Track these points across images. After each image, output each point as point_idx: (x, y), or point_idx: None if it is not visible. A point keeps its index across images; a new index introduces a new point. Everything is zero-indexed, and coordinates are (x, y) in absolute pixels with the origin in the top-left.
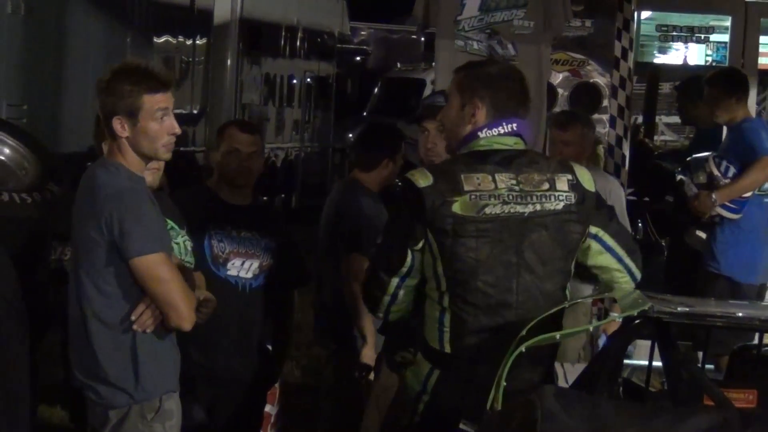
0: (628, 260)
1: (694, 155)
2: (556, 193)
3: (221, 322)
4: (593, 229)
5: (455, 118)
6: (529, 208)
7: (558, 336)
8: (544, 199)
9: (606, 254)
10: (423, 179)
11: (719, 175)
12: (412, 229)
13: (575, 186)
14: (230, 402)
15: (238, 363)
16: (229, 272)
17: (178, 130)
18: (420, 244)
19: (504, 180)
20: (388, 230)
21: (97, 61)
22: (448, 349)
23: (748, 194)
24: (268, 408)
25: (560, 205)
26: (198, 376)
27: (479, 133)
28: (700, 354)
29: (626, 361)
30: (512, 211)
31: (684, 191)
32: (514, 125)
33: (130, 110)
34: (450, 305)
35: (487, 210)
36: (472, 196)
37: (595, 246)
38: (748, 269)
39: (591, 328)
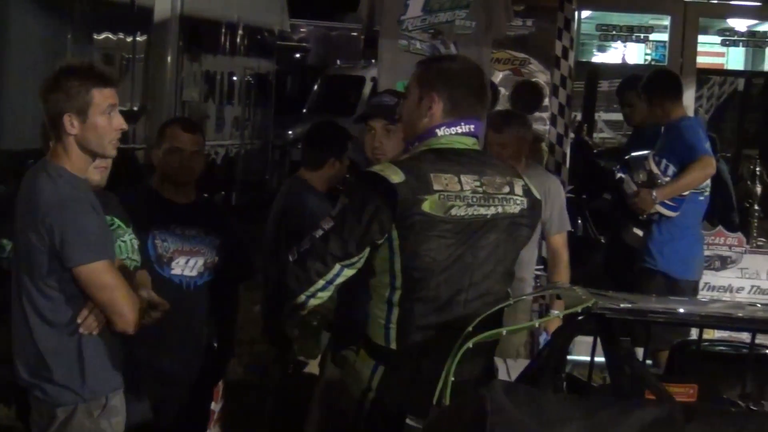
0: None
1: (633, 154)
2: (515, 197)
3: (167, 321)
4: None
5: (413, 110)
6: (491, 211)
7: (504, 332)
8: (504, 202)
9: None
10: (395, 175)
11: (659, 173)
12: (380, 222)
13: (527, 192)
14: (177, 400)
15: (184, 361)
16: (173, 271)
17: (125, 126)
18: (383, 239)
19: (468, 182)
20: (344, 219)
21: (38, 58)
22: (393, 345)
23: (686, 192)
24: (212, 405)
25: (517, 209)
26: (144, 374)
27: (437, 131)
28: (640, 350)
29: (570, 357)
30: (476, 213)
31: (623, 189)
32: (472, 126)
33: (80, 107)
34: (400, 301)
35: (453, 211)
36: (441, 196)
37: None
38: (684, 265)
39: (537, 324)
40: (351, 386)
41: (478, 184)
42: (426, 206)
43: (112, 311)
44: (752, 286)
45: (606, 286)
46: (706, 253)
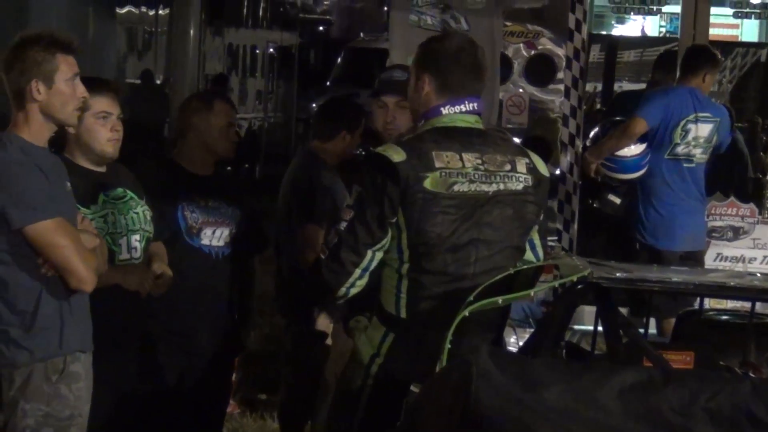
0: (541, 255)
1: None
2: (517, 174)
3: (197, 290)
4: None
5: (411, 92)
6: (493, 187)
7: (500, 300)
8: (507, 180)
9: (529, 252)
10: (397, 155)
11: (601, 137)
12: (390, 200)
13: (532, 169)
14: (202, 369)
15: (212, 331)
16: (202, 242)
17: (86, 94)
18: (395, 218)
19: (470, 159)
20: (363, 204)
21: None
22: (403, 314)
23: (628, 153)
24: (233, 377)
25: (520, 186)
26: (172, 343)
27: (442, 109)
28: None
29: (575, 327)
30: (478, 189)
31: None
32: (475, 104)
33: (47, 73)
34: (408, 273)
35: (456, 187)
36: (443, 173)
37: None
38: (667, 236)
39: (532, 293)
40: (361, 350)
41: (479, 161)
42: (428, 183)
43: (64, 270)
44: (765, 257)
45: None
46: (718, 223)
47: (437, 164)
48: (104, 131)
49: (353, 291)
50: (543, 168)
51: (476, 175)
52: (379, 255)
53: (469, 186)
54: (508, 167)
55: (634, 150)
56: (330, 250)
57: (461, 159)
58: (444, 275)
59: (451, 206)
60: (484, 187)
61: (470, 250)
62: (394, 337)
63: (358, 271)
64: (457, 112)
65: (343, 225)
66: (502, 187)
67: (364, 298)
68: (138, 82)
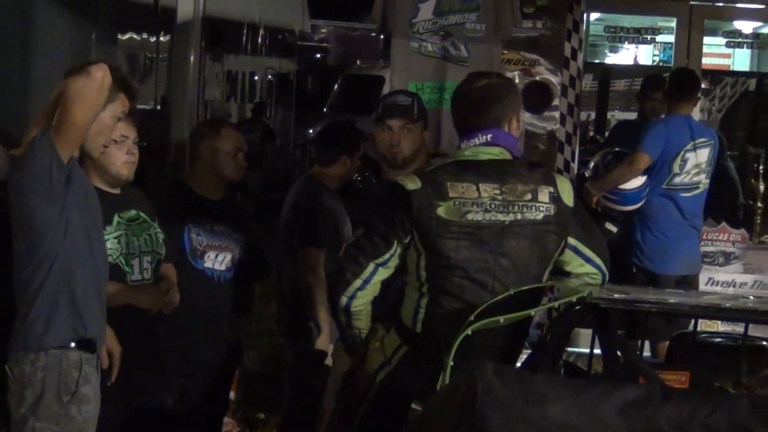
0: (603, 267)
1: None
2: (537, 204)
3: (197, 310)
4: (572, 241)
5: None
6: (510, 217)
7: (502, 320)
8: (525, 209)
9: (586, 265)
10: (412, 183)
11: (602, 168)
12: (401, 222)
13: (556, 199)
14: (201, 386)
15: (210, 350)
16: (205, 264)
17: (118, 138)
18: (407, 239)
19: (488, 189)
20: (371, 222)
21: (63, 58)
22: (419, 329)
23: (631, 186)
24: (231, 394)
25: (540, 216)
26: (172, 362)
27: (462, 144)
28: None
29: (569, 349)
30: (493, 219)
31: None
32: (489, 136)
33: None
34: (429, 291)
35: (469, 216)
36: (456, 203)
37: (574, 257)
38: (663, 261)
39: (533, 313)
40: (372, 357)
41: (498, 192)
42: (441, 211)
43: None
44: (755, 281)
45: None
46: (710, 249)
47: (451, 194)
48: (120, 154)
49: (355, 303)
50: (568, 196)
51: (492, 205)
52: (383, 271)
53: (483, 215)
54: (528, 197)
55: (635, 183)
56: (335, 262)
57: (478, 189)
58: (461, 300)
59: (465, 234)
60: (500, 217)
61: (486, 278)
62: (407, 351)
63: (358, 282)
64: (475, 145)
65: (351, 239)
66: (519, 216)
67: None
68: (139, 106)
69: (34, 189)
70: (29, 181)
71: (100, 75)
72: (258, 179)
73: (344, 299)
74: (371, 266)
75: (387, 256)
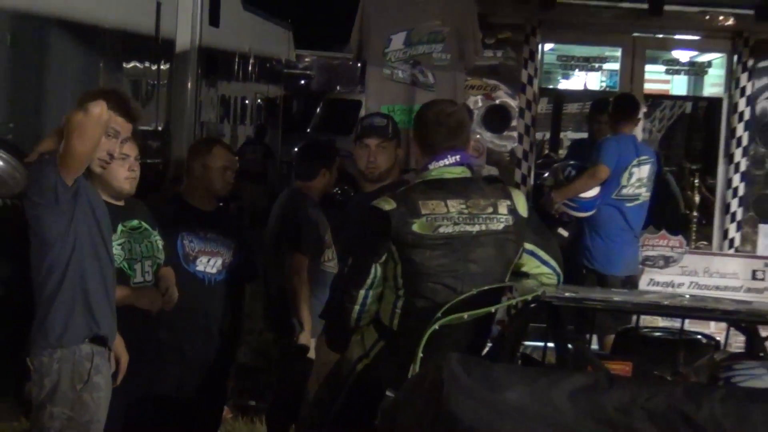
0: (557, 268)
1: (556, 164)
2: (498, 216)
3: (190, 310)
4: (529, 246)
5: (413, 152)
6: (476, 228)
7: (466, 316)
8: (488, 221)
9: (542, 267)
10: (387, 204)
11: (562, 179)
12: (378, 247)
13: (513, 210)
14: (197, 379)
15: (203, 345)
16: (197, 268)
17: (114, 156)
18: (383, 258)
19: (455, 205)
20: (356, 253)
21: (74, 83)
22: (395, 326)
23: (588, 194)
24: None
25: (501, 226)
26: (169, 356)
27: (429, 166)
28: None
29: (527, 342)
30: (462, 230)
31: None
32: (458, 156)
33: None
34: (404, 295)
35: (441, 229)
36: (428, 219)
37: (530, 260)
38: (610, 263)
39: (494, 310)
40: (353, 350)
41: (464, 206)
42: (416, 227)
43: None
44: (691, 282)
45: None
46: (651, 253)
47: (423, 211)
48: (122, 171)
49: (363, 322)
50: (523, 207)
51: (460, 218)
52: (373, 292)
53: (453, 228)
54: (490, 210)
55: (591, 193)
56: (336, 294)
57: (446, 205)
58: (432, 301)
59: (438, 245)
60: (468, 228)
61: (456, 283)
62: (383, 345)
63: (357, 308)
64: (442, 166)
65: (345, 270)
66: (484, 227)
67: None
68: (141, 127)
69: (42, 204)
70: (38, 198)
71: (97, 111)
72: (260, 192)
73: (353, 322)
74: (362, 293)
75: (370, 281)
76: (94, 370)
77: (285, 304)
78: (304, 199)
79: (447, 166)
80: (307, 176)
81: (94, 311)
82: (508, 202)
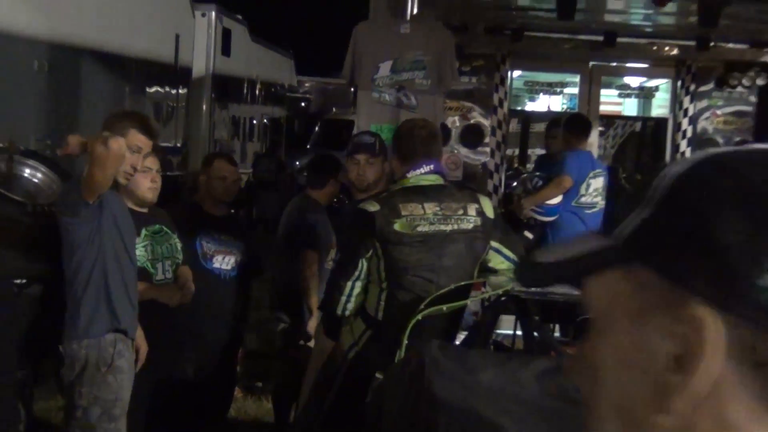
0: (515, 258)
1: (523, 175)
2: (468, 217)
3: (208, 301)
4: (494, 244)
5: (392, 163)
6: (449, 227)
7: (445, 308)
8: (459, 221)
9: (506, 262)
10: (372, 207)
11: (531, 188)
12: (365, 243)
13: (480, 212)
14: (213, 361)
15: (218, 332)
16: (214, 265)
17: (134, 169)
18: (369, 253)
19: (431, 207)
20: (344, 249)
21: (103, 105)
22: (380, 317)
23: (553, 201)
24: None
25: (470, 226)
26: (189, 342)
27: (407, 174)
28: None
29: (498, 331)
30: (437, 229)
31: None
32: (432, 166)
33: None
34: (387, 288)
35: (419, 228)
36: (408, 219)
37: (496, 256)
38: None
39: (469, 302)
40: (344, 339)
41: (438, 209)
42: (397, 226)
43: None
44: None
45: None
46: None
47: (403, 213)
48: (145, 182)
49: (349, 306)
50: (490, 210)
51: (435, 219)
52: (359, 283)
53: (429, 227)
54: (461, 212)
55: (556, 200)
56: (328, 288)
57: (423, 208)
58: (412, 293)
59: (416, 242)
60: (442, 227)
61: (432, 276)
62: (371, 334)
63: (343, 298)
64: (419, 174)
65: (334, 266)
66: (456, 227)
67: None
68: (163, 143)
69: (67, 214)
70: (64, 209)
71: (116, 147)
72: (273, 200)
73: (339, 310)
74: (349, 284)
75: (357, 273)
76: (117, 356)
77: (293, 296)
78: (315, 204)
79: (423, 174)
80: (318, 185)
81: (116, 308)
82: (477, 206)
